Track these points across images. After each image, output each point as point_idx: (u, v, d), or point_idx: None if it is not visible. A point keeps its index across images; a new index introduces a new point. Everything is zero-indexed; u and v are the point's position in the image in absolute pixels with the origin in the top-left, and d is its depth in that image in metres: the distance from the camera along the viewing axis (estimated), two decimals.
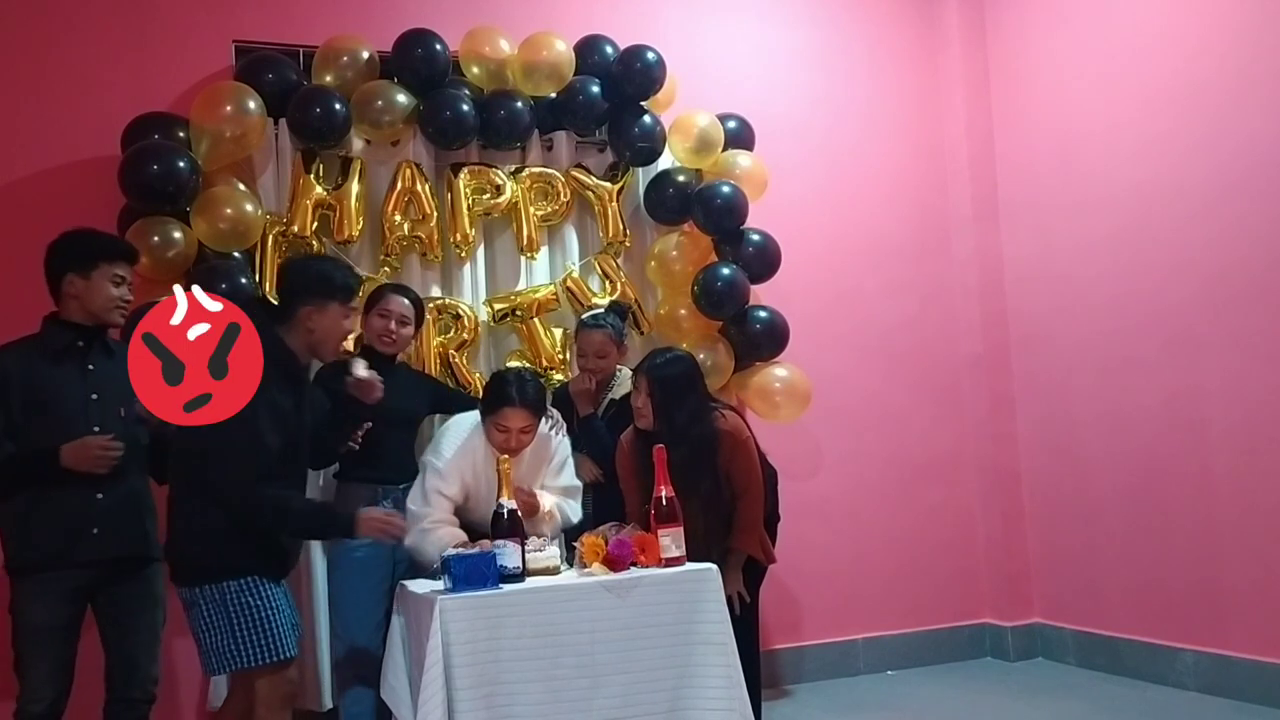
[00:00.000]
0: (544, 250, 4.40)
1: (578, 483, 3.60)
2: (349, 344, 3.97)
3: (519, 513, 3.02)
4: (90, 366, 3.05)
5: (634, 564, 3.05)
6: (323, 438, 3.28)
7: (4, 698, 3.07)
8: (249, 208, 3.88)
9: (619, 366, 3.96)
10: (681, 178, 4.53)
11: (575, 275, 4.40)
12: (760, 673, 3.53)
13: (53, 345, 3.04)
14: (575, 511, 3.56)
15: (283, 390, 2.87)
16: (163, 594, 3.16)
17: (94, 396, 3.03)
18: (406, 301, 3.76)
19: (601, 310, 4.06)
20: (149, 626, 3.14)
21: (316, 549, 3.89)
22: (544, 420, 3.46)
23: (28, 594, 2.98)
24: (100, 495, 2.99)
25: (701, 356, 4.24)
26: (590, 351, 3.86)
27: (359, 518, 2.91)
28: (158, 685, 3.18)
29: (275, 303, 3.17)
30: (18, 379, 2.97)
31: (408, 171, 4.15)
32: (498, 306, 4.25)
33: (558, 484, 3.53)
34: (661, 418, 3.44)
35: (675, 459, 3.24)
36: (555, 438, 3.55)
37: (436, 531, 3.29)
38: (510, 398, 3.30)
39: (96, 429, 2.98)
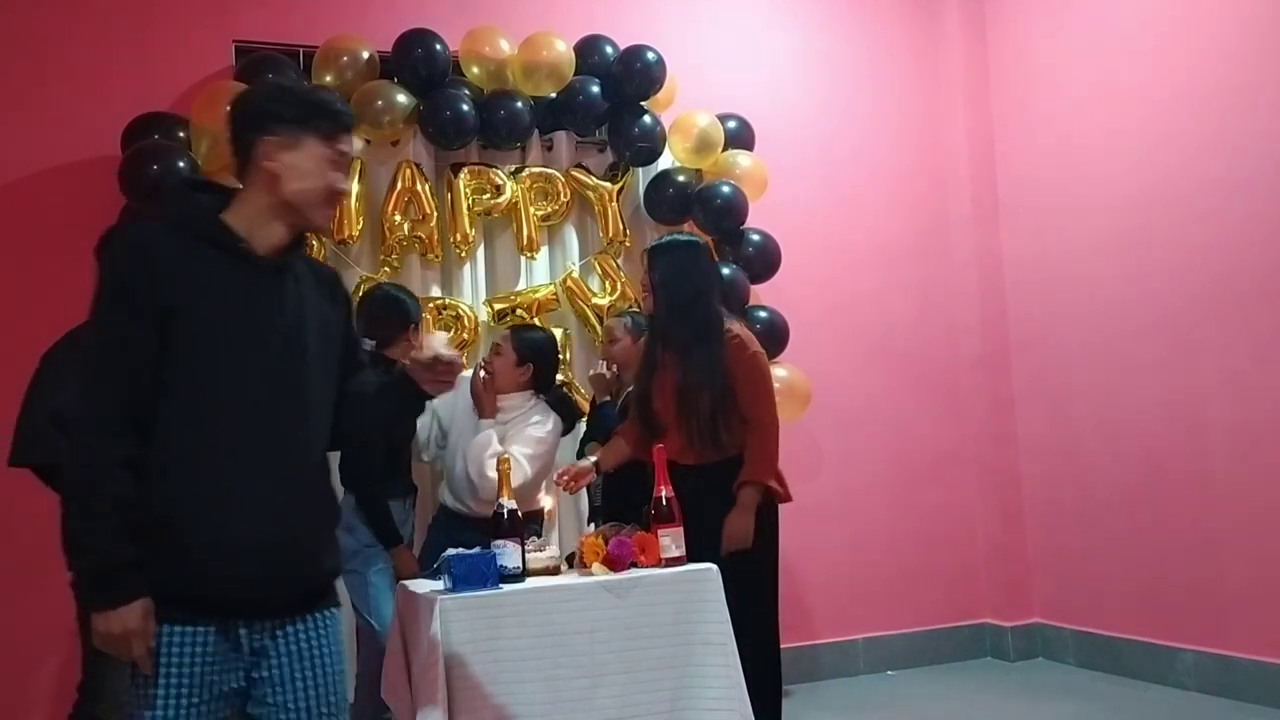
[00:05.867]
0: (544, 250, 4.40)
1: (529, 450, 3.59)
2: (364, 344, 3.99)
3: (519, 513, 3.02)
4: None
5: (634, 564, 3.05)
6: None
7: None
8: None
9: None
10: (681, 178, 4.53)
11: (575, 275, 4.40)
12: (780, 662, 3.41)
13: None
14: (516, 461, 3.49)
15: (228, 278, 1.92)
16: None
17: None
18: None
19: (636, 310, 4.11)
20: None
21: None
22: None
23: None
24: None
25: None
26: (606, 338, 4.02)
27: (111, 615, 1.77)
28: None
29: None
30: None
31: (408, 171, 4.15)
32: (498, 306, 4.26)
33: (520, 434, 3.63)
34: (661, 301, 3.40)
35: (684, 343, 3.30)
36: (540, 419, 3.70)
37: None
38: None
39: None
